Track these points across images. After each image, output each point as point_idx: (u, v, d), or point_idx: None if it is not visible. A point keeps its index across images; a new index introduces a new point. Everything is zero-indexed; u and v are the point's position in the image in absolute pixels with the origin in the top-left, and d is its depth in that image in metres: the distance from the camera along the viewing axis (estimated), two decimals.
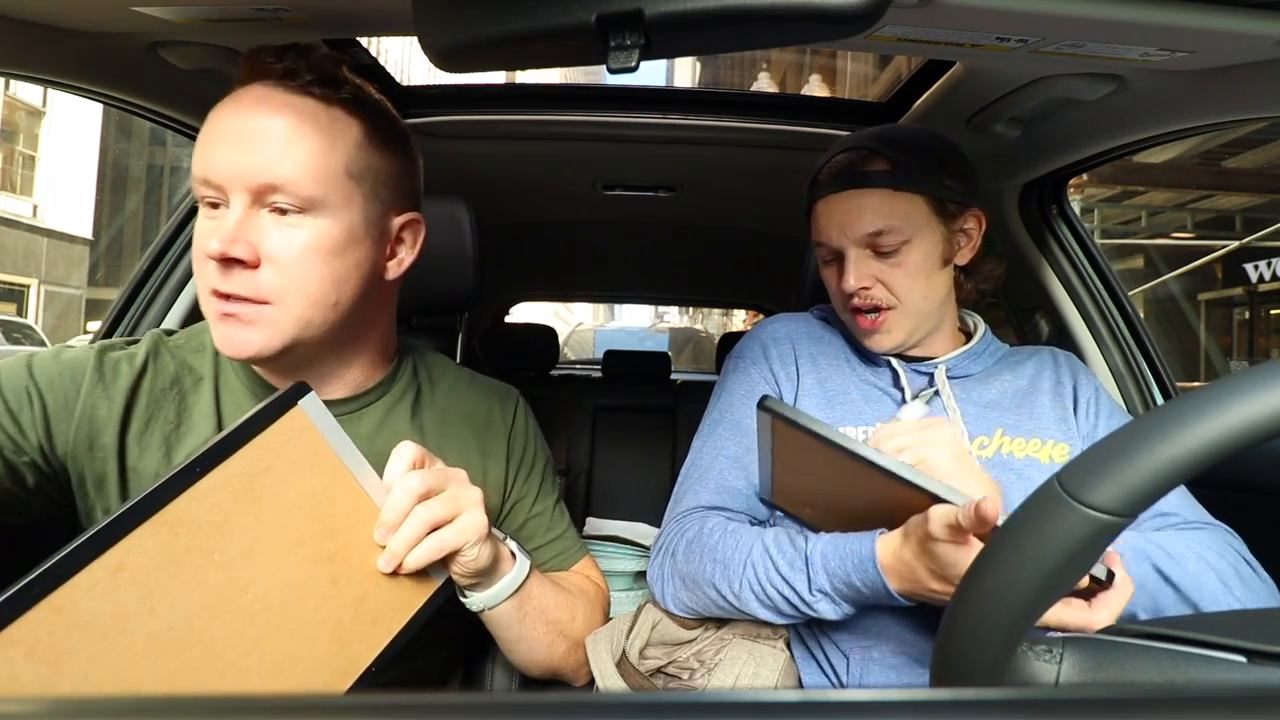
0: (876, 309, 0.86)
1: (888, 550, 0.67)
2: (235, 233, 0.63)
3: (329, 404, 0.68)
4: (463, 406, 0.86)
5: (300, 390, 0.60)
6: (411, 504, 0.61)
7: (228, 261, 0.64)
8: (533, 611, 0.76)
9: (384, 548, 0.61)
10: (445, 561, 0.65)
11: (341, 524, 0.60)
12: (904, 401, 0.86)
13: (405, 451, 0.64)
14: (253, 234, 0.64)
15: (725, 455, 0.88)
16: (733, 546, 0.77)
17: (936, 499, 0.62)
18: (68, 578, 0.47)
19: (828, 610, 0.71)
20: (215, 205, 0.66)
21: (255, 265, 0.64)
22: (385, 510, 0.61)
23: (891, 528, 0.68)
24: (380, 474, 0.64)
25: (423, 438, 0.82)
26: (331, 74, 0.68)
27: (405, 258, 0.77)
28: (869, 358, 0.92)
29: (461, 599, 0.71)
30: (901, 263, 0.84)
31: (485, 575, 0.69)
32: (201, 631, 0.52)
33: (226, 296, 0.65)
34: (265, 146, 0.64)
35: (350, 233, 0.69)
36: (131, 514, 0.50)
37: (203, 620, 0.52)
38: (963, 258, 0.89)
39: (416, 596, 0.64)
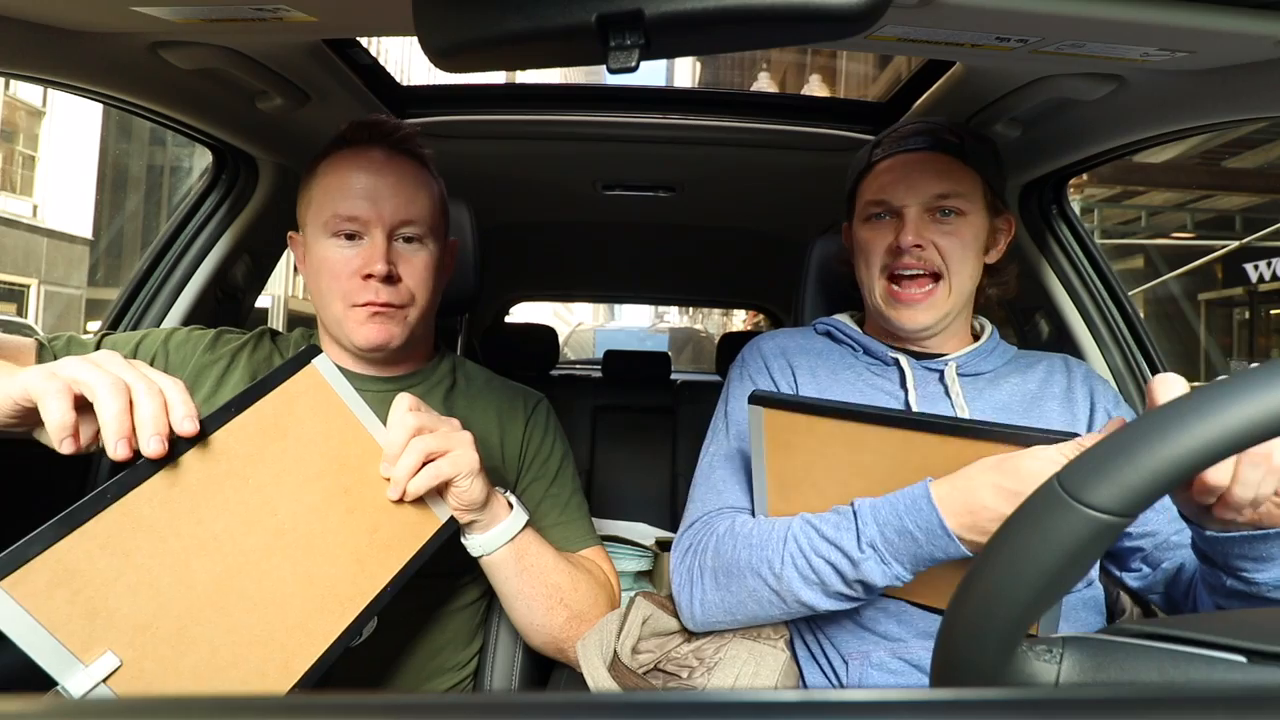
0: (923, 274, 0.88)
1: (943, 486, 0.66)
2: (387, 257, 0.84)
3: (385, 381, 0.93)
4: (490, 399, 0.99)
5: (312, 351, 0.71)
6: (408, 438, 0.71)
7: (385, 278, 0.84)
8: (531, 568, 0.82)
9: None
10: (445, 497, 0.75)
11: (354, 463, 0.70)
12: (908, 404, 0.86)
13: (403, 400, 0.73)
14: (393, 256, 0.86)
15: (736, 461, 0.89)
16: (769, 528, 0.76)
17: (1028, 441, 0.62)
18: (133, 488, 0.58)
19: (874, 572, 0.68)
20: (352, 236, 0.85)
21: (399, 279, 0.86)
22: (387, 445, 0.71)
23: None
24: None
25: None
26: (420, 146, 0.92)
27: (449, 275, 0.99)
28: (877, 357, 0.93)
29: (464, 541, 0.80)
30: (957, 231, 0.88)
31: (481, 513, 0.77)
32: (240, 541, 0.62)
33: (381, 304, 0.85)
34: (399, 192, 0.86)
35: (443, 253, 0.93)
36: (180, 441, 0.60)
37: (241, 532, 0.62)
38: (992, 256, 0.94)
39: (424, 529, 0.73)
